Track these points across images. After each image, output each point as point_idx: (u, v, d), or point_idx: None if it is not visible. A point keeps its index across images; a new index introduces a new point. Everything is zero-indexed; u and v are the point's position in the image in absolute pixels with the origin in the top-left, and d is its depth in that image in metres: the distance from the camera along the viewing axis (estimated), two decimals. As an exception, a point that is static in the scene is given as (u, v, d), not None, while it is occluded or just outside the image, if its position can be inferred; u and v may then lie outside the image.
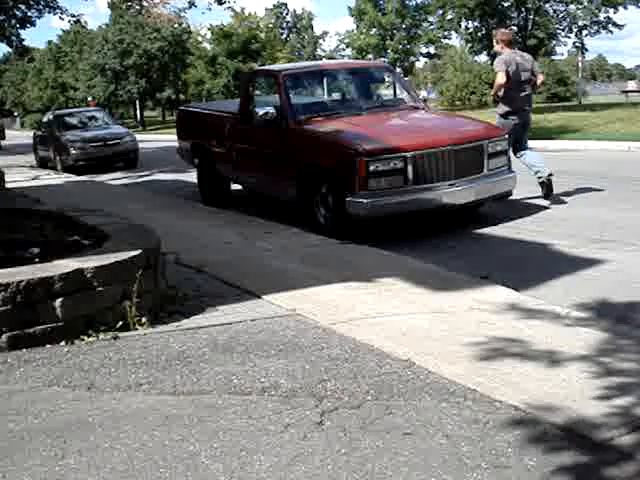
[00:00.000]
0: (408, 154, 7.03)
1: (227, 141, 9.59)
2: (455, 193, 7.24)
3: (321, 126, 7.97)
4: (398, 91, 9.53)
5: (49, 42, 68.10)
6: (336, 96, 9.61)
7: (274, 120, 8.20)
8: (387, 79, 9.70)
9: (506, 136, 7.97)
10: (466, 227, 7.58)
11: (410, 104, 9.07)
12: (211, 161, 10.01)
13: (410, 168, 7.03)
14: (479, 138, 7.57)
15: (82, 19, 21.01)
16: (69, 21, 21.08)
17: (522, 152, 8.59)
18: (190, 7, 19.36)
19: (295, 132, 8.06)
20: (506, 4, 27.65)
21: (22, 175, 15.69)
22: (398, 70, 42.16)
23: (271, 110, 8.20)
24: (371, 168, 6.94)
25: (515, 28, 28.18)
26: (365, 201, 6.96)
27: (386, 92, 9.63)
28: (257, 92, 9.70)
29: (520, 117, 8.47)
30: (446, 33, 34.60)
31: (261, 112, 8.24)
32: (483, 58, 36.07)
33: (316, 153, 7.72)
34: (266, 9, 76.20)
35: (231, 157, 9.50)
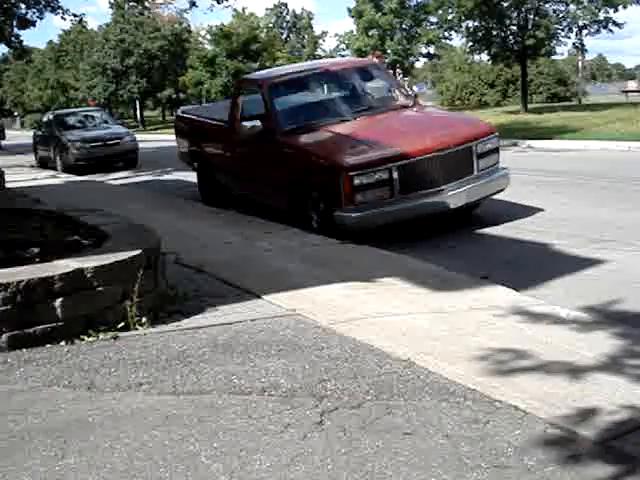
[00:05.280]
0: (393, 165, 6.94)
1: (220, 150, 9.57)
2: (445, 198, 7.14)
3: (306, 138, 7.84)
4: (387, 89, 9.21)
5: (50, 41, 68.16)
6: (323, 100, 9.20)
7: (260, 134, 8.16)
8: (376, 77, 9.44)
9: (496, 133, 7.83)
10: (466, 227, 7.57)
11: (400, 103, 8.80)
12: (209, 167, 10.01)
13: (396, 178, 6.95)
14: (467, 140, 7.39)
15: (84, 18, 20.99)
16: (71, 20, 21.07)
17: None
18: (192, 7, 19.36)
19: (281, 145, 7.98)
20: (505, 4, 27.59)
21: (22, 175, 15.71)
22: (398, 70, 42.15)
23: (257, 123, 8.16)
24: (356, 182, 6.84)
25: (515, 28, 28.19)
26: (353, 215, 6.90)
27: (375, 91, 9.31)
28: (249, 99, 9.50)
29: None
30: (446, 33, 34.51)
31: (248, 125, 8.21)
32: (483, 57, 36.08)
33: (301, 170, 7.63)
34: (266, 9, 76.20)
35: (225, 165, 9.47)
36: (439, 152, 7.14)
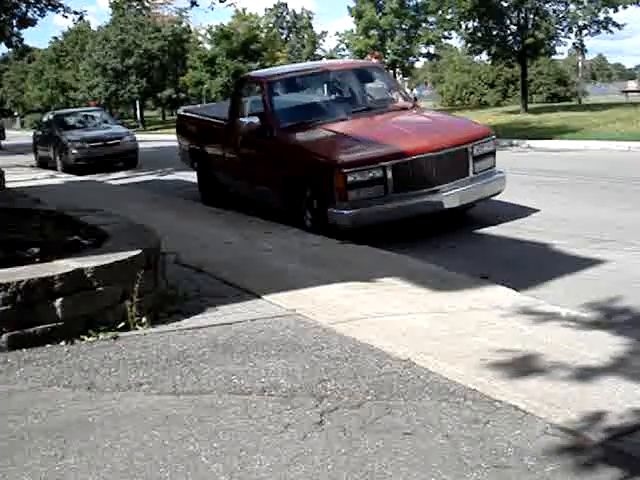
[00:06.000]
0: (387, 163, 6.95)
1: (219, 148, 9.60)
2: (439, 199, 7.14)
3: (303, 135, 7.90)
4: (387, 91, 9.31)
5: (54, 38, 68.09)
6: (322, 99, 9.29)
7: (258, 130, 8.20)
8: (376, 78, 9.52)
9: (492, 136, 7.83)
10: (466, 227, 7.57)
11: (398, 104, 8.87)
12: (208, 166, 10.03)
13: (390, 177, 6.95)
14: (463, 142, 7.39)
15: (85, 17, 20.92)
16: (73, 19, 21.02)
17: None
18: (192, 6, 19.25)
19: (278, 142, 8.02)
20: (505, 4, 27.57)
21: (22, 175, 15.71)
22: (397, 70, 42.12)
23: (255, 120, 8.21)
24: (349, 179, 6.86)
25: (514, 28, 28.18)
26: (346, 212, 6.91)
27: (374, 92, 9.40)
28: (250, 98, 9.56)
29: None
30: (446, 33, 34.46)
31: (246, 122, 8.26)
32: (483, 57, 36.02)
33: (297, 166, 7.69)
34: (266, 9, 76.14)
35: (223, 164, 9.49)
36: (434, 152, 7.15)
